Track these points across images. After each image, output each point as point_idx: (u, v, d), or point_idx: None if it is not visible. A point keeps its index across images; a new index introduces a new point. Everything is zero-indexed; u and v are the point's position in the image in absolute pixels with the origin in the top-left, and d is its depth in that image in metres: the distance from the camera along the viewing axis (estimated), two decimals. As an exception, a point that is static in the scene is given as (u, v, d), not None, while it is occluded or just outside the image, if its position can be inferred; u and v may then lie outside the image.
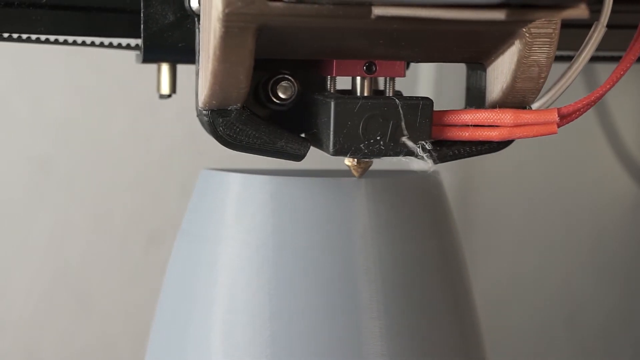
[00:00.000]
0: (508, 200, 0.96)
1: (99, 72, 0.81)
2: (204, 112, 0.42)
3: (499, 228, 0.95)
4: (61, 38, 0.49)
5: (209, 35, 0.40)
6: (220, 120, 0.42)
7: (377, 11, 0.38)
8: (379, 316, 0.45)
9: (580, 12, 0.37)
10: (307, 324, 0.45)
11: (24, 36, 0.48)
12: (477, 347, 0.49)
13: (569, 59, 0.44)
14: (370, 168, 0.47)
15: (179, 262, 0.49)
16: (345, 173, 0.48)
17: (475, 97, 0.45)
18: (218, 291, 0.46)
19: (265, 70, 0.44)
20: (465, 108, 0.45)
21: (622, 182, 0.97)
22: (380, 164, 0.45)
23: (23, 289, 0.83)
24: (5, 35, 0.49)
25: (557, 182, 0.97)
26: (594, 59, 0.58)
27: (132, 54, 0.52)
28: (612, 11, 0.42)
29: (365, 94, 0.44)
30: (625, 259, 0.99)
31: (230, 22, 0.38)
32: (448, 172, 0.93)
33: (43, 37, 0.49)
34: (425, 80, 0.91)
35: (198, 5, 0.45)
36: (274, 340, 0.45)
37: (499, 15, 0.35)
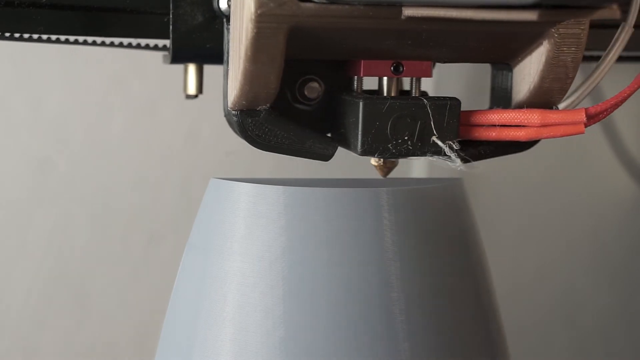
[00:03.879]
0: (508, 200, 0.95)
1: (99, 72, 0.81)
2: (234, 112, 0.42)
3: (499, 228, 0.94)
4: (80, 38, 0.49)
5: (240, 35, 0.40)
6: (250, 120, 0.42)
7: (408, 12, 0.38)
8: (404, 337, 0.42)
9: (611, 12, 0.36)
10: (324, 347, 0.41)
11: (26, 35, 0.48)
12: None
13: (595, 59, 0.44)
14: (391, 176, 0.47)
15: (187, 278, 0.45)
16: (364, 182, 0.46)
17: (501, 98, 0.45)
18: (228, 310, 0.43)
19: (294, 70, 0.44)
20: (491, 108, 0.45)
21: (622, 182, 0.97)
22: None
23: (23, 289, 0.83)
24: (6, 35, 0.49)
25: (557, 182, 0.97)
26: (620, 59, 0.58)
27: (133, 53, 0.52)
28: None
29: (392, 94, 0.44)
30: (626, 259, 0.99)
31: (263, 23, 0.38)
32: (447, 173, 0.93)
33: (45, 37, 0.48)
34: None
35: (227, 6, 0.45)
36: None
37: (531, 16, 0.35)
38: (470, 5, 0.36)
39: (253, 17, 0.38)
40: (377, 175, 0.48)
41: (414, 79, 0.44)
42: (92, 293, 0.84)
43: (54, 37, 0.48)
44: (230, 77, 0.42)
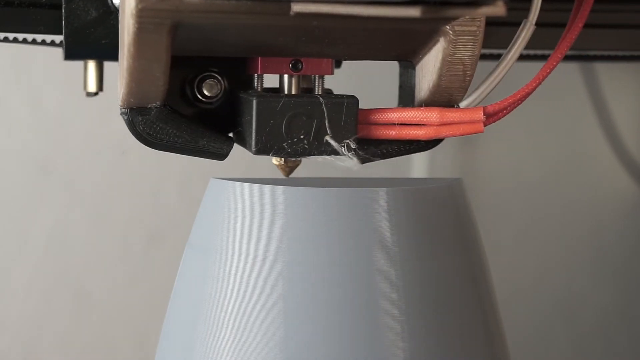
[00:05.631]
0: (508, 200, 0.95)
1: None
2: (123, 110, 0.41)
3: (499, 228, 0.94)
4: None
5: (123, 31, 0.39)
6: (140, 118, 0.41)
7: (296, 7, 0.37)
8: (403, 337, 0.42)
9: (497, 9, 0.36)
10: (325, 346, 0.41)
11: (20, 37, 0.48)
12: None
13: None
14: (390, 176, 0.46)
15: (187, 278, 0.45)
16: (364, 182, 0.45)
17: (408, 96, 0.44)
18: (228, 310, 0.42)
19: (192, 67, 0.43)
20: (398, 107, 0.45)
21: (621, 182, 0.97)
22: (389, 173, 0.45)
23: (23, 289, 0.83)
24: (6, 35, 0.49)
25: (557, 182, 0.97)
26: (525, 57, 0.58)
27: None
28: (544, 9, 0.42)
29: (293, 92, 0.43)
30: (625, 259, 0.99)
31: (144, 18, 0.37)
32: (447, 173, 0.93)
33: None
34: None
35: (119, 0, 0.43)
36: None
37: (414, 12, 0.35)
38: (356, 1, 0.35)
39: (134, 12, 0.37)
40: (381, 175, 0.48)
41: (316, 76, 0.43)
42: (92, 293, 0.84)
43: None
44: (119, 75, 0.41)
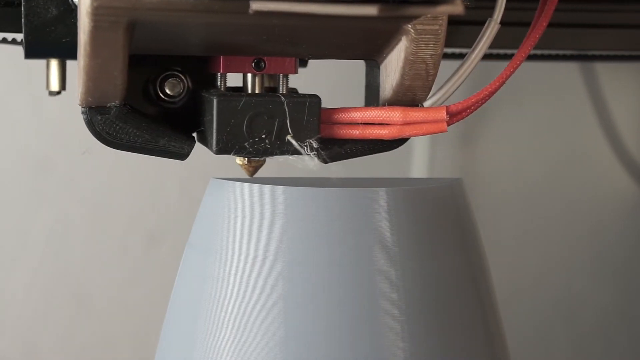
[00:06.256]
0: (508, 200, 0.95)
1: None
2: (82, 109, 0.41)
3: (499, 228, 0.94)
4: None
5: (79, 30, 0.38)
6: (99, 117, 0.41)
7: (255, 6, 0.36)
8: (403, 337, 0.41)
9: (456, 8, 0.37)
10: (325, 347, 0.41)
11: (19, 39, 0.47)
12: None
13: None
14: (390, 176, 0.46)
15: (187, 278, 0.45)
16: (364, 182, 0.45)
17: (373, 95, 0.44)
18: (228, 310, 0.42)
19: (155, 66, 0.43)
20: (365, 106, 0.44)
21: (621, 182, 0.97)
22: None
23: (22, 289, 0.83)
24: (6, 35, 0.48)
25: (557, 182, 0.97)
26: (490, 56, 0.58)
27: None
28: (509, 8, 0.42)
29: (257, 92, 0.42)
30: (625, 259, 0.99)
31: (99, 16, 0.37)
32: (447, 173, 0.93)
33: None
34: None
35: None
36: None
37: (371, 11, 0.35)
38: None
39: (89, 10, 0.37)
40: (381, 175, 0.48)
41: (280, 75, 0.43)
42: (92, 293, 0.84)
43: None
44: (77, 74, 0.40)
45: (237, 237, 0.43)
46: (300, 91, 0.43)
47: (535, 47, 0.43)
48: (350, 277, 0.42)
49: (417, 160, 0.89)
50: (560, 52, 0.63)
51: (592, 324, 0.98)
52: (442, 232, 0.44)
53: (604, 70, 0.92)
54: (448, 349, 0.43)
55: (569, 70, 0.92)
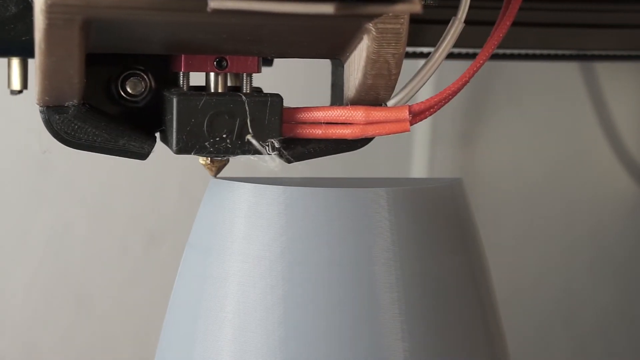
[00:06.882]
0: (508, 200, 0.95)
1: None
2: (40, 108, 0.40)
3: (499, 228, 0.94)
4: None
5: (35, 28, 0.38)
6: (57, 117, 0.40)
7: (213, 4, 0.36)
8: (403, 337, 0.41)
9: (414, 7, 0.36)
10: (325, 347, 0.41)
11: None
12: None
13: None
14: (390, 176, 0.46)
15: (187, 278, 0.45)
16: (364, 182, 0.45)
17: (338, 95, 0.44)
18: (228, 310, 0.42)
19: (117, 65, 0.42)
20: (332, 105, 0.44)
21: (621, 182, 0.97)
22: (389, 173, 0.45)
23: (22, 289, 0.83)
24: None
25: (557, 182, 0.97)
26: (455, 56, 0.58)
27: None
28: (476, 7, 0.42)
29: (219, 91, 0.42)
30: (625, 259, 0.99)
31: (54, 14, 0.36)
32: (447, 173, 0.93)
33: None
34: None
35: None
36: None
37: (328, 9, 0.35)
38: None
39: (43, 7, 0.36)
40: (381, 175, 0.48)
41: (244, 75, 0.43)
42: (92, 293, 0.84)
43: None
44: (35, 72, 0.40)
45: (237, 237, 0.43)
46: (269, 91, 0.43)
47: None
48: (350, 277, 0.42)
49: (417, 160, 0.89)
50: (560, 52, 0.63)
51: (592, 324, 0.98)
52: (442, 232, 0.44)
53: (604, 70, 0.92)
54: (448, 349, 0.43)
55: (569, 70, 0.92)
